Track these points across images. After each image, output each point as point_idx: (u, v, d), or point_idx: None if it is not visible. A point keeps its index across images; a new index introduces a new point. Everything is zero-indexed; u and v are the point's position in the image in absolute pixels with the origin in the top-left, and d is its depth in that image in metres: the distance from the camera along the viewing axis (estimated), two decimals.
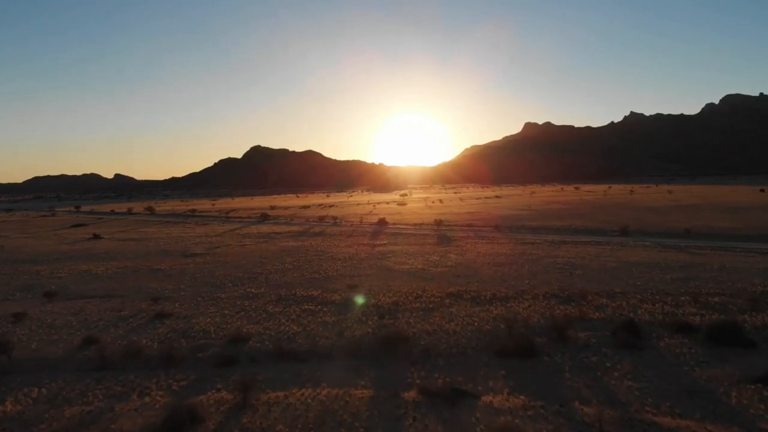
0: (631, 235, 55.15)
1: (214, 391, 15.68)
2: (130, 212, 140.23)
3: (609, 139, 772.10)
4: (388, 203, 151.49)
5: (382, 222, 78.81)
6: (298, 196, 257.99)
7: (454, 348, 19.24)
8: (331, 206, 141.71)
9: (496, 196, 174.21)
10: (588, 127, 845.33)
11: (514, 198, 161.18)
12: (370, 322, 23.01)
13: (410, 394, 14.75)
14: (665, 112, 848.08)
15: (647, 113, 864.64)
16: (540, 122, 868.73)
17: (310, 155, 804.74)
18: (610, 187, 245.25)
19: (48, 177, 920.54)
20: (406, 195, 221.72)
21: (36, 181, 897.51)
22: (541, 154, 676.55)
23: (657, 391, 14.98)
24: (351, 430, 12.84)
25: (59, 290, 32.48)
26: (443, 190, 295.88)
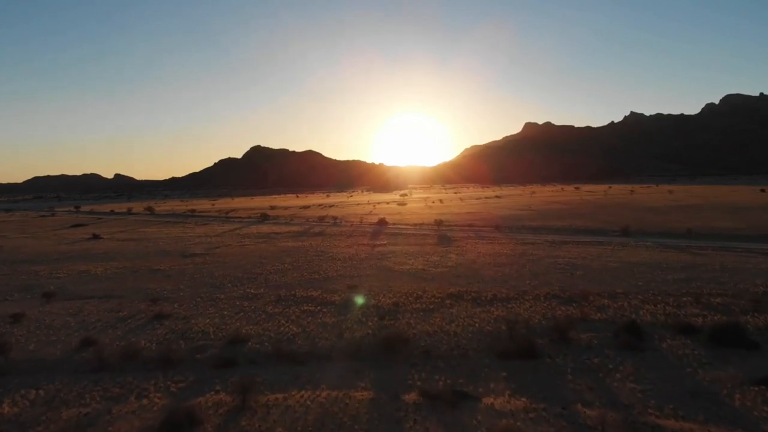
0: (632, 236, 55.00)
1: (212, 393, 15.54)
2: (129, 212, 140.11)
3: (609, 139, 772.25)
4: (388, 203, 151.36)
5: (382, 222, 78.67)
6: (298, 196, 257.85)
7: (455, 349, 19.10)
8: (331, 206, 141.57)
9: (496, 196, 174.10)
10: (588, 127, 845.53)
11: (514, 198, 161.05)
12: (370, 323, 22.86)
13: (411, 396, 14.61)
14: (665, 112, 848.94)
15: (647, 113, 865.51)
16: (540, 122, 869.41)
17: (310, 155, 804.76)
18: (610, 187, 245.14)
19: (48, 177, 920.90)
20: (406, 195, 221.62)
21: (36, 181, 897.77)
22: (541, 154, 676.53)
23: (660, 393, 14.84)
24: None
25: (58, 291, 32.34)
26: (443, 190, 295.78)
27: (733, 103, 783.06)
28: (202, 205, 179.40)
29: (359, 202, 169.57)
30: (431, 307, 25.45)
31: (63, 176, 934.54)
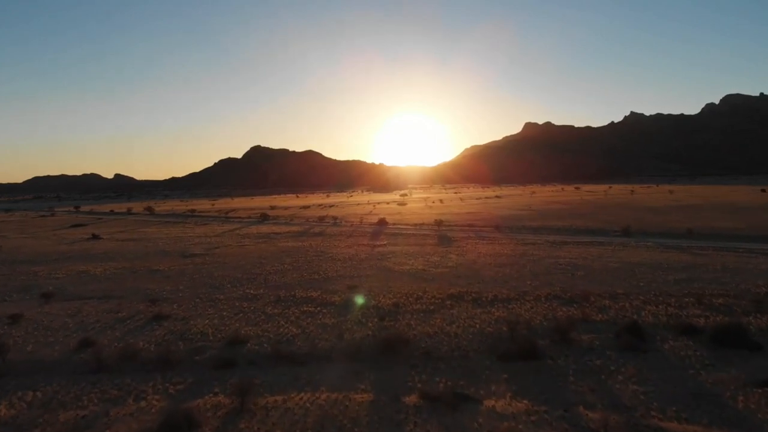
0: (633, 236, 54.87)
1: (211, 395, 15.42)
2: (129, 212, 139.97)
3: (609, 139, 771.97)
4: (388, 203, 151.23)
5: (382, 222, 78.54)
6: (298, 196, 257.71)
7: (456, 351, 18.97)
8: (331, 206, 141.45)
9: (497, 196, 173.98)
10: (588, 127, 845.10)
11: (514, 198, 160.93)
12: (370, 324, 22.74)
13: (411, 399, 14.48)
14: (665, 112, 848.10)
15: (647, 113, 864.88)
16: (540, 122, 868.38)
17: (310, 155, 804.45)
18: (610, 187, 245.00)
19: (48, 177, 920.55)
20: (406, 195, 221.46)
21: (36, 181, 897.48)
22: (541, 154, 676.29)
23: (663, 395, 14.71)
24: None
25: (57, 291, 32.21)
26: (443, 190, 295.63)
27: (733, 103, 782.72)
28: (202, 205, 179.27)
29: (359, 202, 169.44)
30: (431, 307, 25.33)
31: (63, 176, 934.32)
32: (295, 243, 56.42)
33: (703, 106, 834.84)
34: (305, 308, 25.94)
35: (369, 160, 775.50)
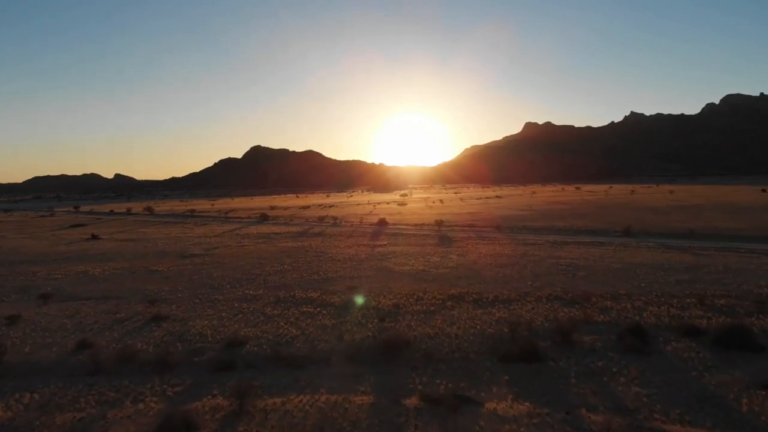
0: (634, 236, 54.73)
1: (209, 397, 15.27)
2: (129, 212, 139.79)
3: (609, 139, 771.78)
4: (388, 203, 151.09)
5: (382, 222, 78.40)
6: (298, 197, 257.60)
7: (457, 352, 18.82)
8: (331, 206, 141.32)
9: (497, 196, 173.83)
10: (588, 127, 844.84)
11: (514, 198, 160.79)
12: (370, 325, 22.60)
13: (411, 401, 14.34)
14: (665, 112, 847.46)
15: (647, 113, 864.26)
16: (540, 122, 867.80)
17: (310, 155, 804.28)
18: (611, 187, 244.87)
19: (48, 177, 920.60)
20: (406, 195, 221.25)
21: (36, 181, 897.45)
22: (542, 154, 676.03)
23: (666, 397, 14.57)
24: None
25: (55, 292, 32.06)
26: (443, 190, 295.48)
27: (733, 103, 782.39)
28: (202, 205, 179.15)
29: (359, 202, 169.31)
30: (432, 308, 25.18)
31: (63, 176, 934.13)
32: (295, 243, 56.28)
33: (703, 106, 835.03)
34: (305, 309, 25.80)
35: (369, 160, 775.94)
